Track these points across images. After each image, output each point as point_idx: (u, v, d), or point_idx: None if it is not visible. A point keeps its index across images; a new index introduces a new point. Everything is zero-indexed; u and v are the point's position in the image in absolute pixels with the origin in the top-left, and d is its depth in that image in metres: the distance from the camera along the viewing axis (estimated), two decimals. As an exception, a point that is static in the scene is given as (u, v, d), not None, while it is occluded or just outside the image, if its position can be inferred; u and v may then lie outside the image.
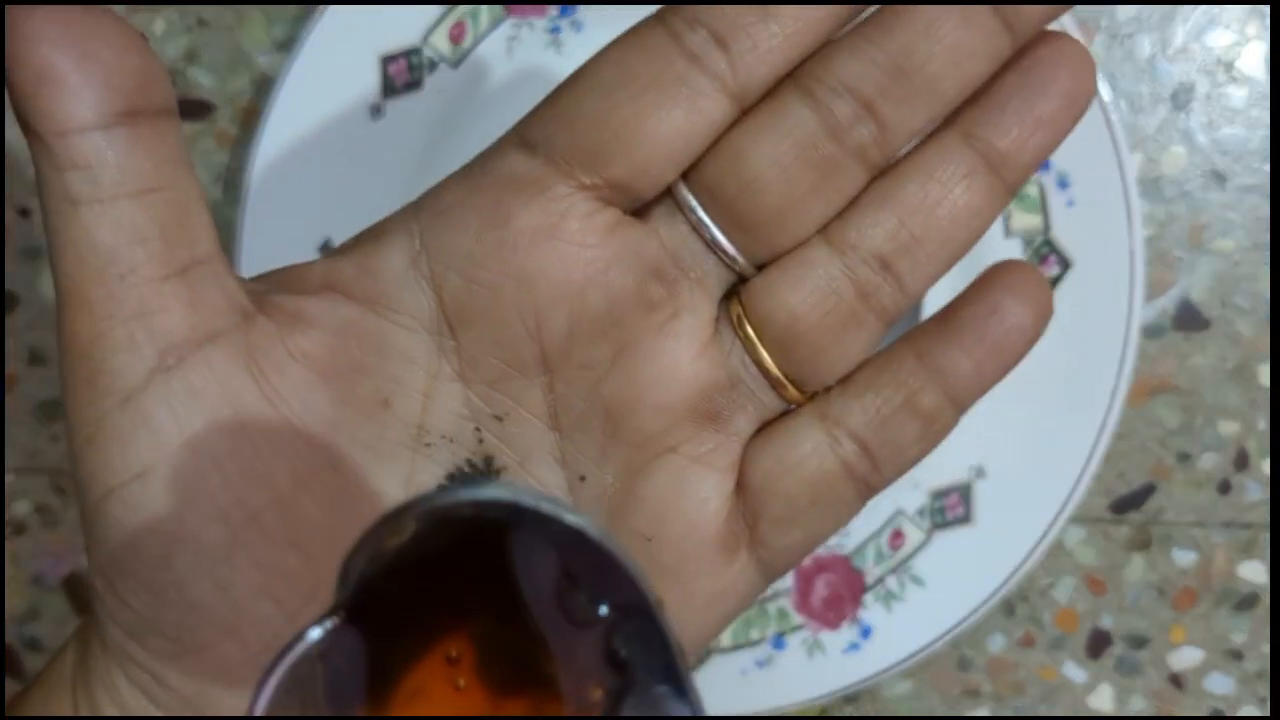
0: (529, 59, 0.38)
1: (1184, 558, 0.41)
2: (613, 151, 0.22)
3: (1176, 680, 0.41)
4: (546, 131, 0.23)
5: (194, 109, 0.40)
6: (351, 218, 0.38)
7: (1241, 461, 0.41)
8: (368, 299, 0.23)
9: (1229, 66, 0.40)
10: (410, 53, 0.38)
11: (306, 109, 0.38)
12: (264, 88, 0.40)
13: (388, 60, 0.38)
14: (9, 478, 0.43)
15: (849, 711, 0.42)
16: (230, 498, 0.22)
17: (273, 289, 0.23)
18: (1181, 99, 0.40)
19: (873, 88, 0.22)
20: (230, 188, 0.40)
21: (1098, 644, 0.42)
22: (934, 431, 0.24)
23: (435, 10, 0.38)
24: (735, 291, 0.24)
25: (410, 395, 0.23)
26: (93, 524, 0.22)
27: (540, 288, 0.23)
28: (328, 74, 0.38)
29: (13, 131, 0.40)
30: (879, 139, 0.23)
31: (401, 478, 0.24)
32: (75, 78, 0.20)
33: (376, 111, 0.38)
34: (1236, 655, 0.41)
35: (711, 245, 0.23)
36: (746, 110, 0.23)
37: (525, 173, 0.23)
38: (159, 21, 0.40)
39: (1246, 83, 0.40)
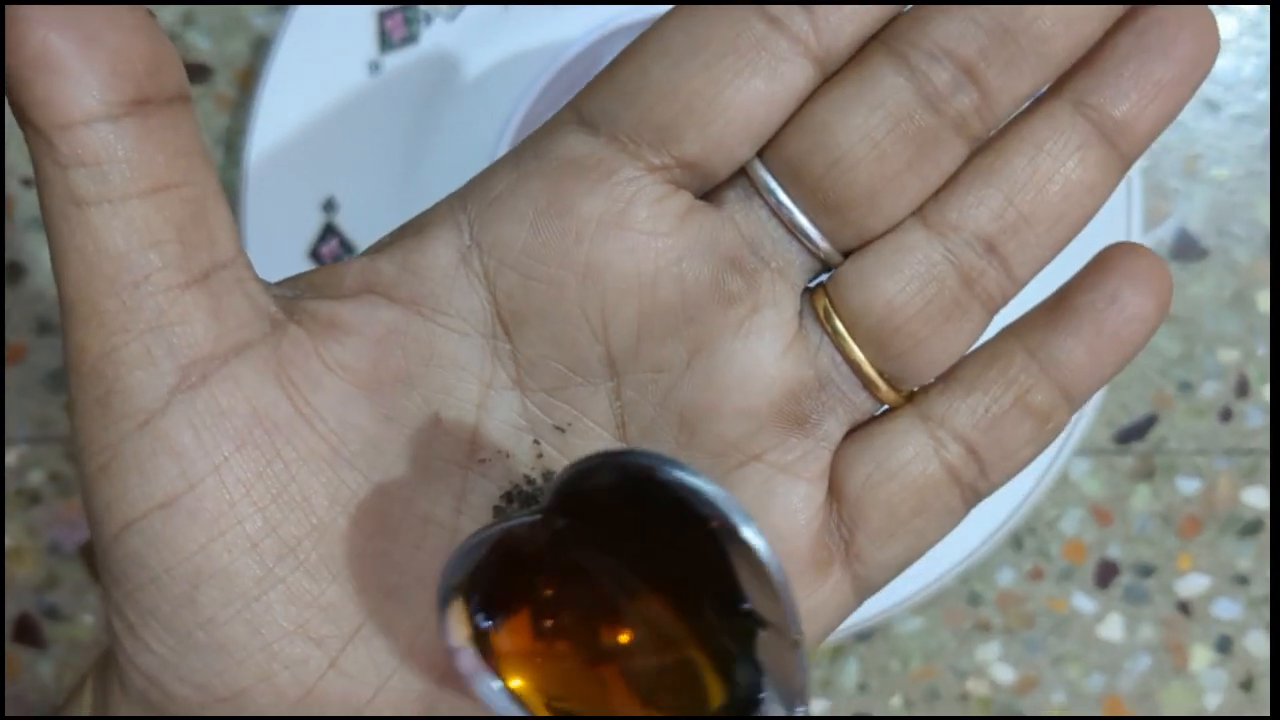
0: (524, 11, 0.39)
1: (1188, 486, 0.42)
2: (685, 126, 0.20)
3: (1184, 607, 0.42)
4: (608, 107, 0.21)
5: (192, 73, 0.40)
6: (353, 174, 0.39)
7: (1242, 388, 0.41)
8: (412, 301, 0.21)
9: (1219, -4, 0.40)
10: (406, 7, 0.38)
11: (304, 68, 0.38)
12: (261, 49, 0.40)
13: (384, 16, 0.38)
14: (22, 448, 0.43)
15: (861, 649, 0.42)
16: (262, 526, 0.20)
17: (304, 293, 0.21)
18: (1173, 30, 0.40)
19: (974, 50, 0.20)
20: (231, 150, 0.40)
21: (1106, 574, 0.42)
22: (1047, 431, 0.22)
23: (429, -35, 0.38)
24: (819, 281, 0.22)
25: (462, 406, 0.21)
26: (109, 560, 0.20)
27: (607, 282, 0.21)
28: (324, 32, 0.38)
29: (13, 102, 0.40)
30: (981, 108, 0.21)
31: (452, 497, 0.22)
32: (78, 63, 0.18)
33: (374, 67, 0.38)
34: (1243, 580, 0.42)
35: (793, 230, 0.21)
36: (829, 78, 0.21)
37: (586, 154, 0.21)
38: (154, -14, 0.40)
39: (1236, 12, 0.40)
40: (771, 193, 0.21)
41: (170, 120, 0.19)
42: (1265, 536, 0.42)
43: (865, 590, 0.23)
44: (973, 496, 0.22)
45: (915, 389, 0.22)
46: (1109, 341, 0.22)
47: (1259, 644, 0.42)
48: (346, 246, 0.39)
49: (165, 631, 0.20)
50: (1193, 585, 0.42)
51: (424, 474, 0.21)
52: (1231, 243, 0.41)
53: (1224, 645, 0.42)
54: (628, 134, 0.21)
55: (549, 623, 0.20)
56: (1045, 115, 0.21)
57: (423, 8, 0.38)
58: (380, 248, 0.22)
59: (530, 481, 0.22)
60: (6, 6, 0.18)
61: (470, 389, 0.21)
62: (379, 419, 0.21)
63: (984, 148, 0.21)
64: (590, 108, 0.21)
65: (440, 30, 0.38)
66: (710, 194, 0.22)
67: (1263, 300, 0.41)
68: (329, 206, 0.39)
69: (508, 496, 0.22)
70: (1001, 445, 0.22)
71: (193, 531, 0.20)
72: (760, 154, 0.21)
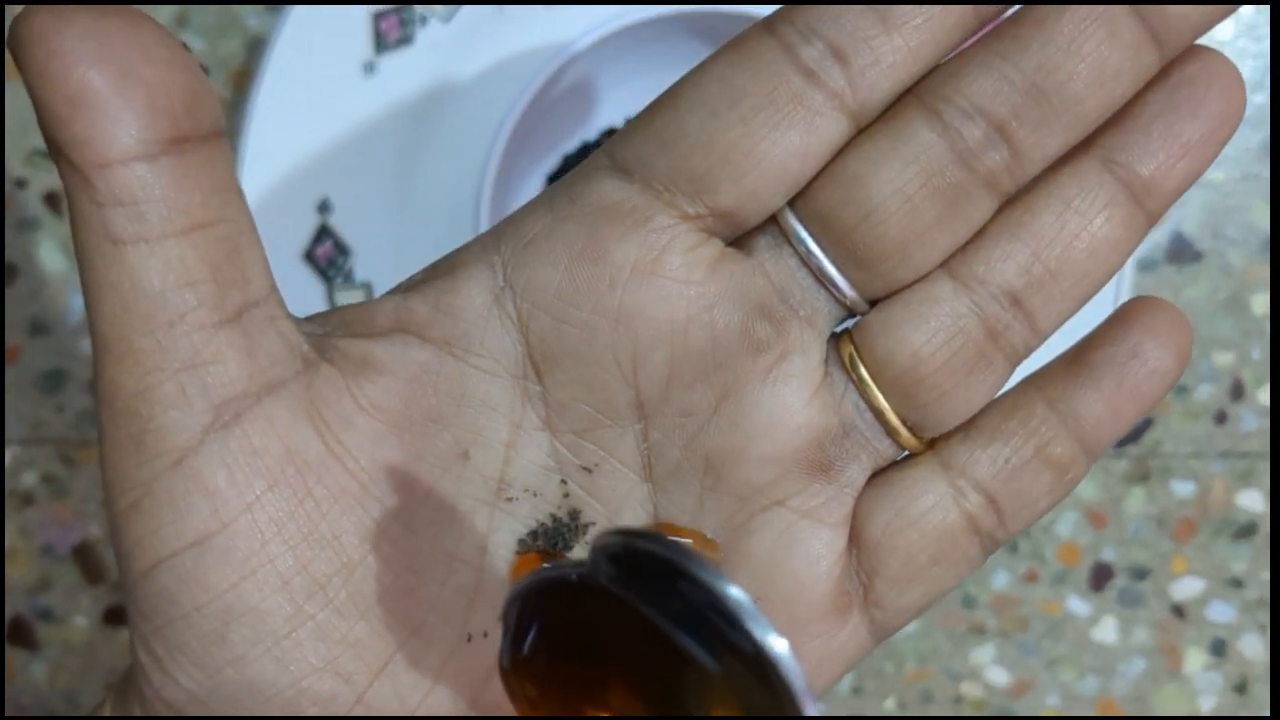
0: (519, 13, 0.38)
1: (1183, 489, 0.42)
2: (720, 177, 0.20)
3: (1178, 610, 0.42)
4: (643, 155, 0.21)
5: (186, 74, 0.40)
6: (348, 176, 0.39)
7: (1237, 392, 0.41)
8: (445, 341, 0.21)
9: (1215, -1, 0.40)
10: (401, 8, 0.38)
11: (299, 69, 0.38)
12: (256, 49, 0.40)
13: (379, 17, 0.38)
14: (15, 449, 0.43)
15: (857, 652, 0.42)
16: (293, 565, 0.20)
17: (335, 331, 0.21)
18: (1168, 33, 0.40)
19: (1007, 109, 0.20)
20: (225, 151, 0.40)
21: (1100, 577, 0.42)
22: (1066, 483, 0.22)
23: (424, -34, 0.38)
24: (845, 329, 0.22)
25: (491, 446, 0.22)
26: (138, 595, 0.20)
27: (639, 328, 0.21)
28: (319, 33, 0.38)
29: (10, 104, 0.40)
30: (1011, 165, 0.21)
31: (479, 535, 0.22)
32: (115, 100, 0.18)
33: (369, 68, 0.38)
34: (1237, 583, 0.42)
35: (822, 279, 0.21)
36: (862, 130, 0.21)
37: (621, 201, 0.21)
38: (148, -13, 0.40)
39: (1232, 15, 0.40)
40: (802, 242, 0.21)
41: (206, 158, 0.19)
42: (1259, 539, 0.42)
43: (882, 633, 0.23)
44: (990, 545, 0.23)
45: (937, 436, 0.22)
46: (1129, 395, 0.22)
47: (1253, 647, 0.42)
48: (341, 248, 0.39)
49: (195, 667, 0.20)
50: (1187, 588, 0.42)
51: (452, 512, 0.21)
52: (1226, 246, 0.41)
53: (1218, 648, 0.42)
54: (662, 182, 0.21)
55: (561, 677, 0.19)
56: (1074, 172, 0.21)
57: (418, 9, 0.38)
58: (412, 286, 0.22)
59: (556, 520, 0.22)
60: (45, 45, 0.18)
61: (500, 429, 0.22)
62: (409, 457, 0.21)
63: (1012, 202, 0.22)
64: (625, 154, 0.21)
65: (435, 31, 0.38)
66: (740, 240, 0.22)
67: (1257, 303, 0.41)
68: (323, 208, 0.39)
69: (533, 534, 0.22)
70: (1021, 495, 0.22)
71: (225, 570, 0.20)
72: (792, 203, 0.21)
